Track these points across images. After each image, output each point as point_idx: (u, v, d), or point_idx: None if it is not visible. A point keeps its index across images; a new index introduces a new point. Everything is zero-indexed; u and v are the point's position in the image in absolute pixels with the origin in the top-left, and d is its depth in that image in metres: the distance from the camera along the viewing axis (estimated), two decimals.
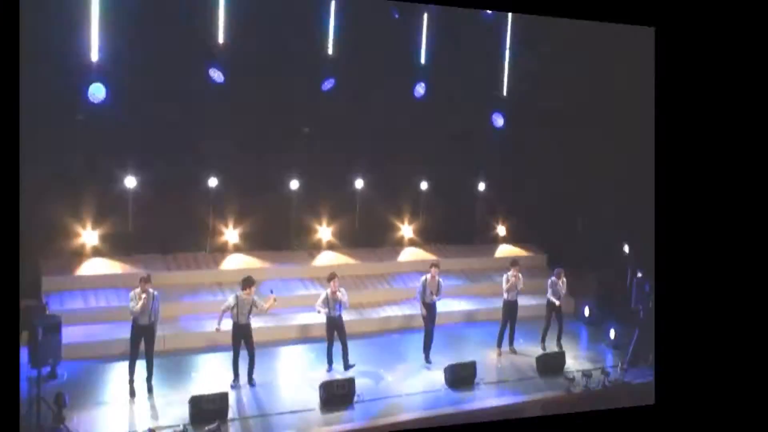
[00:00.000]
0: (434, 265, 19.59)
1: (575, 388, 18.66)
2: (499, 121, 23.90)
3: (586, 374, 18.89)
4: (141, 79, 19.59)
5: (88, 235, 20.58)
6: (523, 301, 20.76)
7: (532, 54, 23.56)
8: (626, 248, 22.05)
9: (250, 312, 17.52)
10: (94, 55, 19.32)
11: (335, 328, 18.48)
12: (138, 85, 19.61)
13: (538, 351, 20.13)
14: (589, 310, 22.89)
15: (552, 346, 20.46)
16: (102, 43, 19.31)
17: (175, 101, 20.06)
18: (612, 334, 21.31)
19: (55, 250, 20.30)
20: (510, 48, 23.92)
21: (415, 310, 20.20)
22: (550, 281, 20.72)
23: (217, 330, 17.50)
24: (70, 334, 17.44)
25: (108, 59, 19.32)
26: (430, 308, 19.45)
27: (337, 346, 18.53)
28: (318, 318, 19.17)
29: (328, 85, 21.21)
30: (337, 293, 18.33)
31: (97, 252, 20.66)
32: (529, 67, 23.64)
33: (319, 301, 18.46)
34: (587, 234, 24.30)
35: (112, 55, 19.34)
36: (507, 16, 23.73)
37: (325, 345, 18.73)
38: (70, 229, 20.46)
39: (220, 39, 20.35)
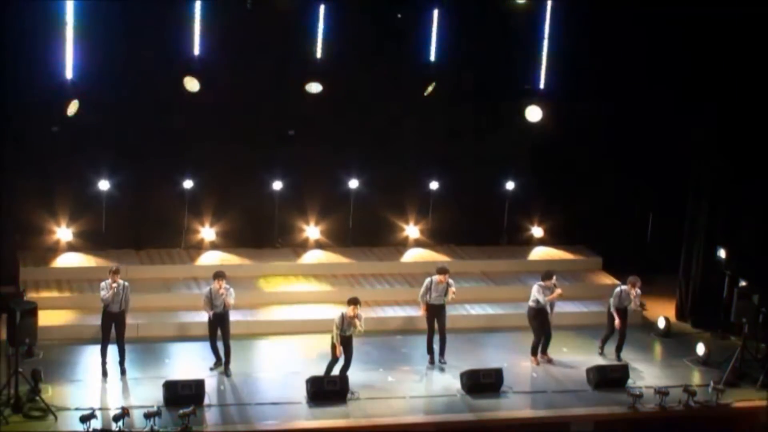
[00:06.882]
0: (443, 272, 18.52)
1: (643, 405, 17.27)
2: (535, 115, 21.83)
3: (661, 391, 17.31)
4: (116, 91, 20.10)
5: (63, 232, 21.06)
6: (569, 307, 20.05)
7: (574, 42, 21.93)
8: (722, 253, 19.84)
9: (223, 303, 17.73)
10: (69, 73, 19.69)
11: (345, 346, 17.58)
12: (113, 97, 20.11)
13: (585, 362, 18.70)
14: (665, 322, 20.56)
15: (610, 357, 19.06)
16: (77, 60, 19.68)
17: (150, 110, 20.55)
18: (701, 349, 19.23)
19: (32, 245, 20.94)
20: (549, 37, 22.10)
21: (418, 311, 19.28)
22: (620, 290, 18.89)
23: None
24: (45, 318, 17.95)
25: (83, 75, 19.68)
26: (437, 310, 18.60)
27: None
28: (303, 314, 19.49)
29: (317, 87, 20.76)
30: (356, 320, 17.34)
31: (71, 247, 21.13)
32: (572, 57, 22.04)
33: (338, 321, 17.39)
34: (662, 235, 22.64)
35: (87, 71, 19.72)
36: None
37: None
38: (45, 227, 20.99)
39: (196, 51, 20.48)
